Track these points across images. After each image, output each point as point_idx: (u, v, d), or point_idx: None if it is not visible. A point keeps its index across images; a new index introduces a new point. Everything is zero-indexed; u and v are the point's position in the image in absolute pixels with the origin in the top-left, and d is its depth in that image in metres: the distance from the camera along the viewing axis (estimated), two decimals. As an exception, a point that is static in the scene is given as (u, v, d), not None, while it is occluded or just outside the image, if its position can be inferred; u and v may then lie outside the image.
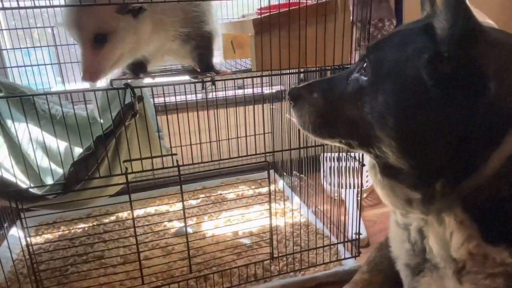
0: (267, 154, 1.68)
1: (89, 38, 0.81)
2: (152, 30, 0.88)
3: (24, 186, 0.89)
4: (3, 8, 0.76)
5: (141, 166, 0.94)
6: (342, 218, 1.29)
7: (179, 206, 1.53)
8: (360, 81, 0.67)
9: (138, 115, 0.87)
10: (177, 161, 0.88)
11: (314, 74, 1.28)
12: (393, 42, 0.65)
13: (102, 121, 1.13)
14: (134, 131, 0.88)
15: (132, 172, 0.86)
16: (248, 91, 1.59)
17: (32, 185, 0.92)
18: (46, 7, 0.97)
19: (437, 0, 0.57)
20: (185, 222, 0.89)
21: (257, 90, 1.64)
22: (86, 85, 1.40)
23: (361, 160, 1.10)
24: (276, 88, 1.70)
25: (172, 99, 1.17)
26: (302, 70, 1.00)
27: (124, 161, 0.85)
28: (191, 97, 1.37)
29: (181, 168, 0.86)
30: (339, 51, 0.94)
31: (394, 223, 0.86)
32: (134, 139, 0.90)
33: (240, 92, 1.56)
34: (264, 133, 1.41)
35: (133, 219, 0.82)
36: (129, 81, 0.88)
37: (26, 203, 0.83)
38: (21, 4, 0.79)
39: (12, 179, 0.84)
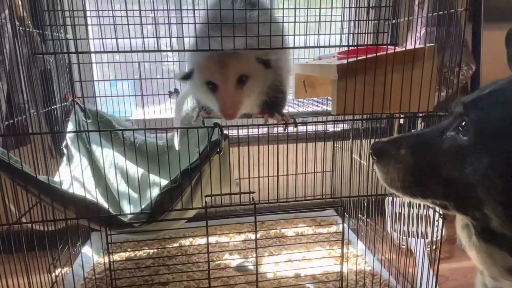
0: (326, 194, 1.65)
1: (233, 79, 0.88)
2: (270, 80, 0.94)
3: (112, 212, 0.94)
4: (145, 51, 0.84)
5: (220, 199, 0.96)
6: (412, 270, 1.21)
7: (238, 238, 1.53)
8: (458, 140, 0.64)
9: (222, 152, 0.90)
10: (253, 198, 0.89)
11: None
12: (496, 100, 0.62)
13: (178, 148, 1.19)
14: (216, 166, 0.91)
15: (212, 206, 0.88)
16: (312, 128, 1.59)
17: (118, 211, 0.97)
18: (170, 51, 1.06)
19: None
20: (256, 261, 0.88)
21: (321, 128, 1.64)
22: (166, 115, 1.49)
23: (441, 211, 1.04)
24: (340, 127, 1.69)
25: (233, 132, 1.21)
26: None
27: (206, 196, 0.87)
28: (257, 131, 1.40)
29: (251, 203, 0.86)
30: (425, 97, 0.92)
31: (481, 285, 0.79)
32: (214, 174, 0.93)
33: (304, 129, 1.56)
34: (325, 171, 1.39)
35: (208, 253, 0.83)
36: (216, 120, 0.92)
37: (114, 228, 0.88)
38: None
39: (104, 203, 0.90)
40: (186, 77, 0.92)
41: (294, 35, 0.90)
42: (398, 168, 0.70)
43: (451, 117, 0.68)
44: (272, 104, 0.98)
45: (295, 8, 0.97)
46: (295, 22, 0.90)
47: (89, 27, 1.45)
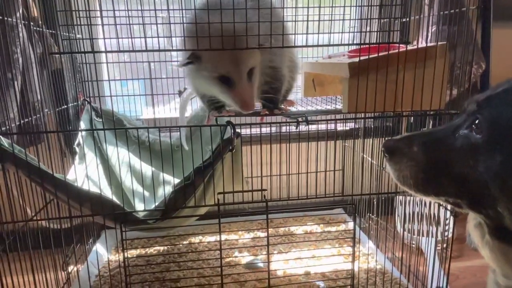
0: (336, 193, 1.65)
1: (245, 73, 0.89)
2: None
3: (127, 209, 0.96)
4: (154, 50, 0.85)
5: (232, 197, 0.97)
6: (422, 269, 1.21)
7: (247, 236, 1.54)
8: (472, 138, 0.64)
9: (234, 150, 0.91)
10: (265, 196, 0.89)
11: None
12: (509, 98, 0.62)
13: (187, 147, 1.19)
14: (228, 164, 0.92)
15: (225, 204, 0.89)
16: (322, 127, 1.59)
17: (135, 209, 0.99)
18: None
19: None
20: (268, 258, 0.89)
21: (331, 127, 1.64)
22: (176, 114, 1.50)
23: (451, 208, 1.04)
24: (350, 125, 1.69)
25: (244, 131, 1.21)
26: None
27: (219, 193, 0.88)
28: (267, 130, 1.41)
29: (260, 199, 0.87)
30: (437, 96, 0.92)
31: (494, 283, 0.78)
32: (226, 172, 0.94)
33: (314, 127, 1.57)
34: (335, 170, 1.39)
35: (220, 250, 0.84)
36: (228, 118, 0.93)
37: (129, 225, 0.89)
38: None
39: (118, 201, 0.91)
40: (187, 63, 0.91)
41: (307, 33, 0.90)
42: (410, 166, 0.71)
43: (464, 115, 0.68)
44: (270, 98, 0.99)
45: (306, 7, 0.98)
46: (307, 20, 0.91)
47: (100, 27, 1.47)
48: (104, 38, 1.35)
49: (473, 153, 0.62)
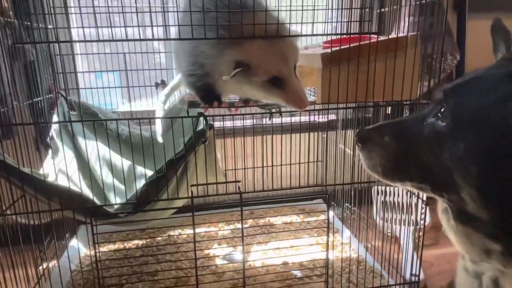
0: (311, 184, 1.67)
1: (293, 70, 0.87)
2: None
3: (98, 203, 0.94)
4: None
5: (206, 189, 0.96)
6: (396, 256, 1.23)
7: (227, 229, 1.54)
8: (437, 126, 0.65)
9: (207, 142, 0.90)
10: (239, 187, 0.89)
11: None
12: (474, 87, 0.63)
13: (161, 141, 1.18)
14: (202, 156, 0.92)
15: (198, 196, 0.89)
16: (302, 119, 1.60)
17: (104, 203, 0.97)
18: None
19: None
20: (243, 249, 0.89)
21: (311, 118, 1.65)
22: (153, 107, 1.48)
23: (424, 198, 1.06)
24: (329, 117, 1.70)
25: (224, 124, 1.21)
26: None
27: (192, 185, 0.88)
28: (244, 123, 1.41)
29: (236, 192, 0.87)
30: (408, 86, 0.93)
31: (463, 269, 0.81)
32: (200, 164, 0.94)
33: (293, 119, 1.57)
34: (315, 161, 1.40)
35: (194, 243, 0.84)
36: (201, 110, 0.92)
37: (99, 219, 0.88)
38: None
39: (89, 195, 0.89)
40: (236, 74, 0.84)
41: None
42: (381, 154, 0.72)
43: (432, 104, 0.69)
44: None
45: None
46: (278, 10, 0.90)
47: (73, 18, 1.43)
48: (69, 28, 1.31)
49: (438, 141, 0.63)
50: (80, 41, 1.34)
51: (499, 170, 0.56)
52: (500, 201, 0.57)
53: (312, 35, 0.95)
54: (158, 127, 1.23)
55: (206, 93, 0.91)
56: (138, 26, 0.99)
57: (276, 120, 1.36)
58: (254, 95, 0.94)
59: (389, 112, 1.50)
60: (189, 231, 1.50)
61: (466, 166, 0.58)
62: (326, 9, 1.07)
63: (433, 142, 0.64)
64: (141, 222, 1.00)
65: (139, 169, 1.20)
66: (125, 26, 0.98)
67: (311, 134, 1.61)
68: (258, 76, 0.84)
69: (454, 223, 0.67)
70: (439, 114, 0.65)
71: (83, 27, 0.98)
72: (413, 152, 0.68)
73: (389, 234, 1.46)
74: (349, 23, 0.89)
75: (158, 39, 0.87)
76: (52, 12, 1.10)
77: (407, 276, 1.13)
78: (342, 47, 0.90)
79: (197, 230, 1.48)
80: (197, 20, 0.81)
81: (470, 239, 0.65)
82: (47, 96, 1.35)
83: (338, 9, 0.93)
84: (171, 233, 1.49)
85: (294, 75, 0.86)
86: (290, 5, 0.88)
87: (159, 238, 1.45)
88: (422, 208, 1.11)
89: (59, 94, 1.38)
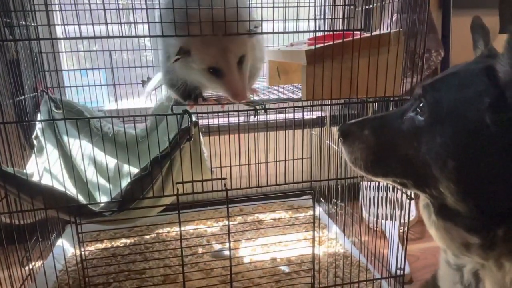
0: (297, 180, 1.68)
1: (234, 62, 0.87)
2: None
3: (82, 201, 0.94)
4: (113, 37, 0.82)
5: (192, 187, 0.96)
6: (382, 251, 1.25)
7: (216, 226, 1.54)
8: (416, 120, 0.66)
9: (192, 139, 0.90)
10: (225, 184, 0.90)
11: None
12: (451, 83, 0.64)
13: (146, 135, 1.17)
14: (187, 154, 0.91)
15: (184, 194, 0.88)
16: (289, 116, 1.61)
17: (89, 201, 0.97)
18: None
19: (506, 43, 0.56)
20: (229, 246, 0.89)
21: (298, 115, 1.65)
22: (138, 105, 1.47)
23: (408, 193, 1.08)
24: (316, 114, 1.71)
25: (212, 121, 1.20)
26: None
27: (177, 183, 0.88)
28: (232, 120, 1.41)
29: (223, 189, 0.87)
30: (391, 82, 0.94)
31: (445, 262, 0.82)
32: (186, 162, 0.93)
33: (281, 116, 1.58)
34: (303, 158, 1.41)
35: (181, 241, 0.84)
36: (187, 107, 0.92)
37: (84, 218, 0.88)
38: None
39: (73, 194, 0.89)
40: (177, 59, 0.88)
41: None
42: (361, 148, 0.73)
43: (412, 99, 0.70)
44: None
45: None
46: (262, 7, 0.90)
47: (56, 15, 1.41)
48: (49, 25, 1.29)
49: (416, 135, 0.64)
50: (60, 39, 1.32)
51: (474, 164, 0.57)
52: (476, 194, 0.58)
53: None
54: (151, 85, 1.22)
55: (184, 90, 0.92)
56: (120, 23, 0.98)
57: (262, 117, 1.36)
58: (201, 83, 0.96)
59: (376, 109, 1.52)
60: (177, 229, 1.49)
61: (443, 159, 0.59)
62: (309, 6, 1.08)
63: (411, 136, 0.65)
64: (127, 220, 1.00)
65: (125, 167, 1.19)
66: (106, 23, 0.97)
67: (298, 131, 1.62)
68: (196, 64, 0.88)
69: (435, 218, 0.68)
70: (418, 109, 0.66)
71: (63, 24, 0.97)
72: (392, 146, 0.69)
73: (376, 229, 1.48)
74: (333, 20, 0.90)
75: (137, 36, 0.86)
76: (33, 9, 1.08)
77: (393, 269, 1.15)
78: (326, 43, 0.90)
79: (185, 228, 1.49)
80: (164, 18, 0.84)
81: (450, 233, 0.66)
82: (32, 95, 1.34)
83: (321, 6, 0.94)
84: (159, 231, 1.48)
85: (235, 67, 0.87)
86: (273, 2, 0.88)
87: (147, 237, 1.45)
88: (407, 203, 1.12)
89: (44, 93, 1.36)
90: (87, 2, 1.06)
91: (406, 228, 1.20)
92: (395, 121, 0.70)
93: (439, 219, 0.67)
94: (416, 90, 0.71)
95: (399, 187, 0.72)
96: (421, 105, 0.65)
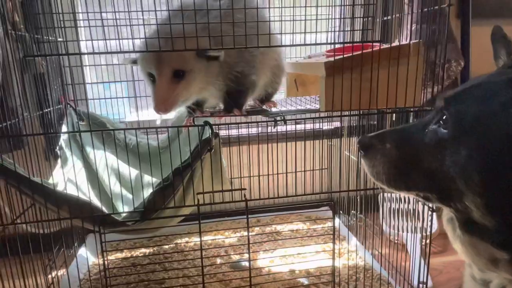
0: (316, 191, 1.67)
1: (168, 72, 0.90)
2: (217, 74, 0.95)
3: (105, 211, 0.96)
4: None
5: (212, 197, 0.98)
6: (404, 263, 1.23)
7: (234, 237, 1.55)
8: (439, 133, 0.65)
9: (213, 150, 0.91)
10: (245, 195, 0.90)
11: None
12: (475, 94, 0.64)
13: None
14: (208, 164, 0.93)
15: (205, 204, 0.90)
16: (307, 126, 1.61)
17: (112, 211, 0.99)
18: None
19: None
20: (249, 257, 0.90)
21: (316, 126, 1.65)
22: (158, 116, 1.50)
23: (430, 205, 1.06)
24: (334, 124, 1.71)
25: (230, 132, 1.22)
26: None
27: (198, 193, 0.89)
28: (250, 131, 1.42)
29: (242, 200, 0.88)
30: (411, 93, 0.94)
31: (470, 277, 0.80)
32: (206, 172, 0.95)
33: (299, 127, 1.58)
34: (321, 169, 1.40)
35: (201, 251, 0.85)
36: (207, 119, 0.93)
37: (107, 227, 0.89)
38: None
39: (98, 203, 0.91)
40: (135, 62, 0.97)
41: (281, 33, 0.91)
42: (383, 162, 0.72)
43: (434, 111, 0.70)
44: (233, 98, 1.00)
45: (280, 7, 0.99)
46: (281, 20, 0.92)
47: (80, 30, 1.46)
48: (79, 41, 1.34)
49: (440, 148, 0.64)
50: (89, 53, 1.37)
51: (501, 177, 0.56)
52: (504, 208, 0.57)
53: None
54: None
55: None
56: (145, 38, 1.01)
57: (280, 128, 1.37)
58: (208, 99, 1.03)
59: (394, 119, 1.50)
60: (195, 239, 1.50)
61: (468, 173, 0.58)
62: (327, 19, 1.09)
63: (435, 149, 0.65)
64: (148, 230, 1.01)
65: (147, 178, 1.21)
66: (132, 38, 1.01)
67: (317, 141, 1.62)
68: (140, 68, 0.96)
69: (460, 232, 0.67)
70: (440, 122, 0.65)
71: (91, 40, 1.01)
72: (415, 159, 0.69)
73: (397, 241, 1.45)
74: (352, 32, 0.91)
75: (160, 51, 0.90)
76: (62, 25, 1.13)
77: (415, 283, 1.13)
78: (345, 55, 0.91)
79: (204, 238, 1.50)
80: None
81: (477, 248, 0.64)
82: (57, 107, 1.38)
83: (340, 18, 0.94)
84: (178, 241, 1.50)
85: (167, 77, 0.90)
86: (293, 15, 0.90)
87: (166, 246, 1.46)
88: (429, 215, 1.10)
89: (68, 105, 1.41)
90: (112, 17, 1.10)
91: (428, 241, 1.17)
92: (417, 134, 0.69)
93: (465, 234, 0.66)
94: (438, 102, 0.70)
95: (422, 200, 0.71)
96: (443, 117, 0.65)
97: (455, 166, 0.60)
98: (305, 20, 0.90)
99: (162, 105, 0.89)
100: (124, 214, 0.94)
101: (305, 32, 0.91)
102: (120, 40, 0.97)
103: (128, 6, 1.02)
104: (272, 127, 0.98)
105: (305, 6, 0.92)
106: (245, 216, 0.93)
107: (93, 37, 1.00)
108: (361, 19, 1.07)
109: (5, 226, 0.91)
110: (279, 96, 1.46)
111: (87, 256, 1.30)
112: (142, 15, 1.15)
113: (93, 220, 0.88)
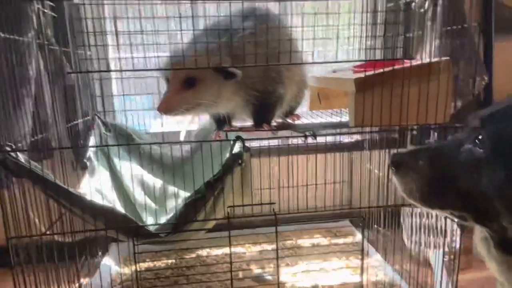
0: (344, 205, 1.66)
1: (179, 78, 0.93)
2: (234, 92, 0.97)
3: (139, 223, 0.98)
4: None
5: (242, 210, 0.99)
6: (428, 280, 1.21)
7: (254, 249, 1.55)
8: (475, 153, 0.65)
9: (244, 163, 0.93)
10: (273, 209, 0.91)
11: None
12: (511, 114, 0.64)
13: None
14: (238, 178, 0.94)
15: (235, 217, 0.91)
16: (329, 139, 1.61)
17: (146, 223, 1.01)
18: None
19: None
20: (277, 271, 0.90)
21: (337, 138, 1.66)
22: (181, 127, 1.52)
23: (456, 220, 1.05)
24: (356, 137, 1.71)
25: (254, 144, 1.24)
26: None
27: (229, 207, 0.90)
28: (273, 142, 1.43)
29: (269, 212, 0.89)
30: (442, 110, 0.94)
31: (502, 296, 0.79)
32: (236, 185, 0.96)
33: (321, 139, 1.58)
34: (342, 181, 1.40)
35: (230, 263, 0.86)
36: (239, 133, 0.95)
37: (141, 239, 0.91)
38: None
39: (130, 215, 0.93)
40: None
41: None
42: (416, 179, 0.72)
43: (468, 130, 0.70)
44: (261, 113, 1.03)
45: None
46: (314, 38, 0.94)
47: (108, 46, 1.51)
48: (120, 58, 1.39)
49: (476, 168, 0.64)
50: (117, 71, 1.42)
51: (540, 198, 0.56)
52: (542, 228, 0.57)
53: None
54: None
55: (215, 116, 1.03)
56: (171, 56, 1.04)
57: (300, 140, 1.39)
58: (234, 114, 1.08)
59: (416, 134, 1.50)
60: (217, 251, 1.51)
61: (506, 193, 0.59)
62: (360, 37, 1.11)
63: (471, 168, 0.65)
64: (178, 241, 1.03)
65: (174, 189, 1.23)
66: (158, 57, 1.06)
67: (337, 154, 1.62)
68: (161, 74, 1.03)
69: (495, 252, 0.66)
70: (476, 141, 0.65)
71: (119, 58, 1.06)
72: (450, 178, 0.69)
73: (421, 257, 1.43)
74: (383, 49, 0.92)
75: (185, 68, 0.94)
76: (94, 44, 1.18)
77: (441, 301, 1.11)
78: (375, 71, 0.92)
79: (225, 250, 1.50)
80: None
81: (513, 268, 0.64)
82: (85, 119, 1.42)
83: (371, 36, 0.96)
84: (199, 252, 1.50)
85: (177, 83, 0.95)
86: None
87: (189, 258, 1.47)
88: (457, 233, 1.09)
89: (96, 117, 1.44)
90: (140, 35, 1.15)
91: (453, 257, 1.16)
92: (452, 153, 0.69)
93: (500, 253, 0.65)
94: (472, 121, 0.70)
95: (456, 220, 0.71)
96: (480, 137, 0.65)
97: (492, 186, 0.61)
98: (337, 38, 0.92)
99: (163, 106, 0.93)
100: (156, 226, 0.96)
101: (336, 50, 0.93)
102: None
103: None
104: (303, 142, 0.99)
105: (338, 26, 0.94)
106: (268, 229, 0.94)
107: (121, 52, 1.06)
108: (387, 36, 1.09)
109: (41, 236, 0.93)
110: (302, 109, 1.48)
111: (113, 265, 1.31)
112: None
113: (128, 231, 0.90)
